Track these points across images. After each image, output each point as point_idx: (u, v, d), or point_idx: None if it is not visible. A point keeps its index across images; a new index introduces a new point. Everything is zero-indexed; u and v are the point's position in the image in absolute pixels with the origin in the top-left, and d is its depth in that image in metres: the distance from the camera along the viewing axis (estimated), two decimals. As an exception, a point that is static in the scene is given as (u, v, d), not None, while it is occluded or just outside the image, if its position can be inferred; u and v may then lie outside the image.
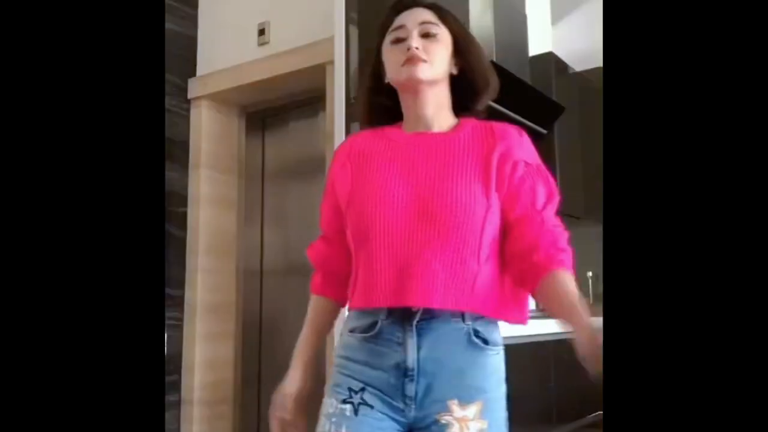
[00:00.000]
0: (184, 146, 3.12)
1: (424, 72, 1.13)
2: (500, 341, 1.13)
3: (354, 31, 2.34)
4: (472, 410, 1.06)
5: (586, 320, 0.98)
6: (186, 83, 3.15)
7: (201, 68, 3.19)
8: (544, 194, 1.13)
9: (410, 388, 1.07)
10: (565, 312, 1.02)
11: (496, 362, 1.12)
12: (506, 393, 1.14)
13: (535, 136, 3.46)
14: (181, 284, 2.99)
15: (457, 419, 1.05)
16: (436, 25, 1.16)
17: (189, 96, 3.15)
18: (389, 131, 1.20)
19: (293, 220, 3.13)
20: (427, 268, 1.06)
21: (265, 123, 3.31)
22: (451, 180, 1.10)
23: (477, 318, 1.09)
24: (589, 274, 3.60)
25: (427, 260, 1.06)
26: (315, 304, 1.28)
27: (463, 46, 1.19)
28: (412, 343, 1.07)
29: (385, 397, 1.08)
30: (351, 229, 1.14)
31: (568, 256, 1.08)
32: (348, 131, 2.26)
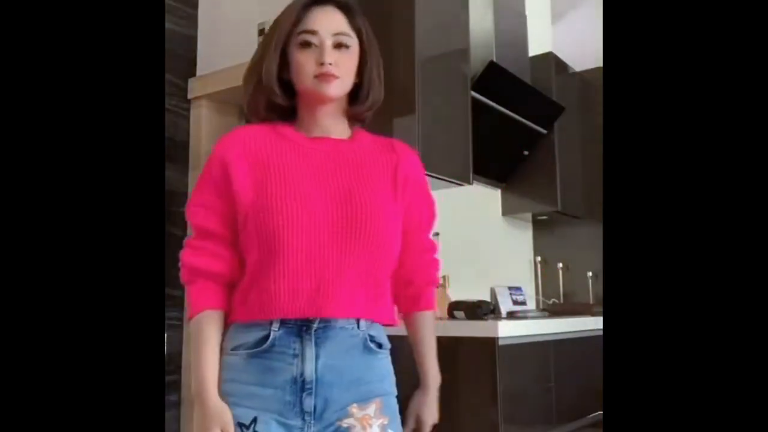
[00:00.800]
0: (184, 146, 3.12)
1: (336, 89, 1.10)
2: (388, 344, 1.15)
3: (354, 31, 2.34)
4: (371, 408, 1.06)
5: (435, 371, 1.23)
6: (186, 83, 3.15)
7: (201, 68, 3.19)
8: (428, 217, 1.23)
9: (308, 403, 1.02)
10: (421, 354, 1.23)
11: (387, 364, 1.14)
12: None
13: (535, 136, 3.47)
14: (181, 284, 2.99)
15: (358, 419, 1.04)
16: (349, 36, 1.11)
17: (189, 96, 3.15)
18: (284, 130, 1.15)
19: (293, 220, 3.12)
20: (346, 278, 1.04)
21: (265, 123, 3.31)
22: (369, 189, 1.09)
23: (371, 323, 1.10)
24: (589, 274, 3.60)
25: (346, 270, 1.04)
26: (209, 319, 1.10)
27: (366, 57, 1.15)
28: (310, 353, 1.03)
29: (281, 419, 1.02)
30: (253, 235, 1.05)
31: (433, 292, 1.27)
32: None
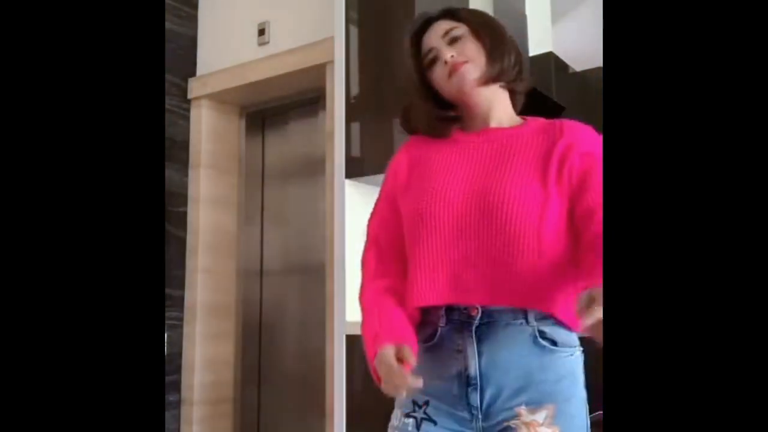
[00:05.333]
0: (184, 146, 3.12)
1: (470, 73, 1.13)
2: (574, 342, 1.07)
3: (354, 31, 2.34)
4: (541, 414, 1.01)
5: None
6: (186, 83, 3.15)
7: (201, 68, 3.19)
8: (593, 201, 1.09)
9: (474, 398, 1.03)
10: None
11: (569, 364, 1.05)
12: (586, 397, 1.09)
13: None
14: (181, 284, 2.99)
15: (525, 423, 1.00)
16: (458, 27, 1.16)
17: (189, 96, 3.15)
18: (452, 134, 1.20)
19: (293, 220, 3.13)
20: (478, 264, 1.03)
21: (265, 123, 3.31)
22: (503, 173, 1.08)
23: (542, 318, 1.03)
24: (589, 274, 3.60)
25: (479, 256, 1.03)
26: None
27: (494, 52, 1.16)
28: (471, 350, 1.03)
29: (450, 409, 1.04)
30: (404, 226, 1.13)
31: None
32: (348, 131, 2.26)
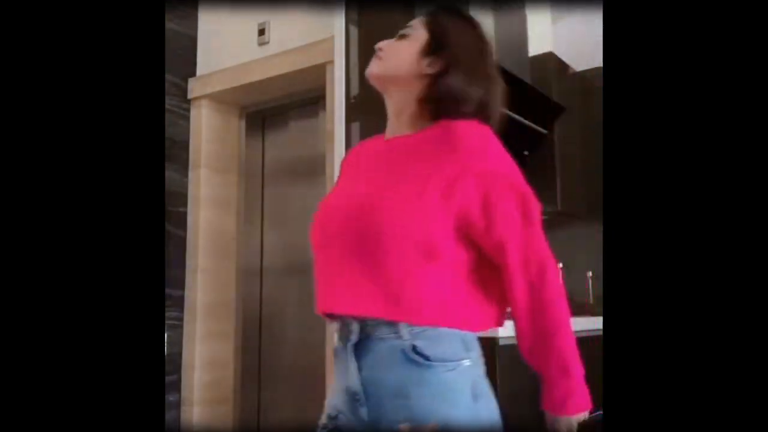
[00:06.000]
0: (184, 146, 3.12)
1: (373, 67, 1.14)
2: (456, 355, 1.01)
3: (354, 31, 2.34)
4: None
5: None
6: (186, 83, 3.15)
7: (201, 68, 3.19)
8: (520, 210, 1.02)
9: (362, 412, 1.01)
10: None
11: (450, 379, 0.99)
12: (485, 410, 1.03)
13: (535, 136, 3.47)
14: (181, 284, 2.99)
15: None
16: (410, 26, 1.15)
17: (189, 96, 3.15)
18: (378, 138, 1.19)
19: (293, 220, 3.13)
20: (350, 274, 1.02)
21: (265, 123, 3.31)
22: (383, 183, 1.05)
23: (418, 332, 0.99)
24: (589, 274, 3.60)
25: (351, 266, 1.02)
26: None
27: (441, 44, 1.10)
28: (353, 365, 1.02)
29: (354, 422, 1.03)
30: None
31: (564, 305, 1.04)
32: (348, 131, 2.26)
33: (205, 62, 3.18)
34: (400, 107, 1.13)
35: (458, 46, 1.11)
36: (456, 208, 1.00)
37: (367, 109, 2.26)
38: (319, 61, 2.66)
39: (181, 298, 3.01)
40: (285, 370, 3.06)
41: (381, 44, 1.15)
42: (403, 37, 1.14)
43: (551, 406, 1.06)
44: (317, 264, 1.10)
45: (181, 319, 3.00)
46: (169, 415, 2.91)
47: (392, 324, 1.00)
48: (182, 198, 3.08)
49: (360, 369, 1.01)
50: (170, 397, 2.93)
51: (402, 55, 1.12)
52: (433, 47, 1.11)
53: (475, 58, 1.12)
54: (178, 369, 2.98)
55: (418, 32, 1.14)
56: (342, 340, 1.06)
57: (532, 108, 3.23)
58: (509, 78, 3.23)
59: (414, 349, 0.98)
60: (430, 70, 1.10)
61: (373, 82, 1.16)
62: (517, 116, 3.17)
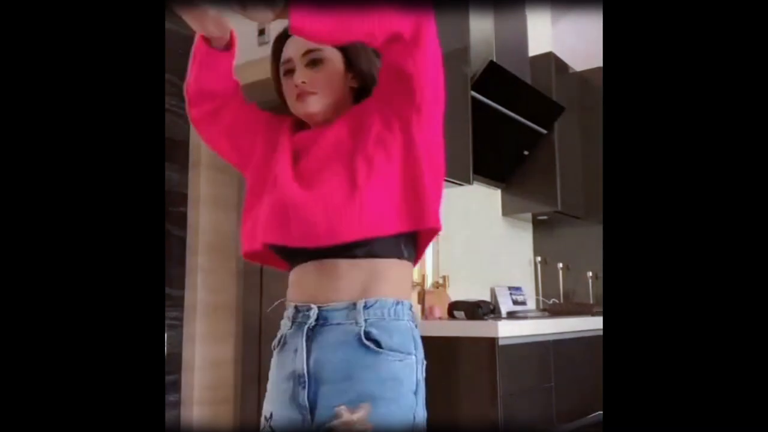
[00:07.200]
0: (184, 146, 3.12)
1: (313, 105, 1.13)
2: (407, 348, 1.05)
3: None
4: (358, 414, 1.00)
5: None
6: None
7: (201, 68, 3.19)
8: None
9: (303, 396, 1.04)
10: None
11: (395, 369, 1.03)
12: (417, 404, 1.05)
13: (535, 136, 3.47)
14: (181, 284, 2.99)
15: (343, 423, 1.00)
16: (320, 50, 1.13)
17: (189, 96, 3.15)
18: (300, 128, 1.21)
19: (293, 220, 3.13)
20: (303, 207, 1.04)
21: (265, 123, 3.31)
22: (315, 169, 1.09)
23: (375, 320, 1.04)
24: (589, 274, 3.60)
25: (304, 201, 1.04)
26: None
27: (353, 58, 1.15)
28: (302, 348, 1.06)
29: (287, 414, 1.06)
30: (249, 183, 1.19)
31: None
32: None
33: (205, 62, 3.18)
34: (325, 116, 1.15)
35: (355, 48, 1.15)
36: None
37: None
38: (319, 61, 2.66)
39: (181, 298, 3.01)
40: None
41: (299, 79, 1.12)
42: (317, 62, 1.13)
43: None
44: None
45: (181, 319, 3.00)
46: (169, 415, 2.91)
47: (350, 309, 1.05)
48: (182, 198, 3.08)
49: (309, 351, 1.05)
50: (170, 397, 2.94)
51: (333, 83, 1.14)
52: (349, 61, 1.15)
53: (372, 63, 1.17)
54: (178, 369, 2.98)
55: (328, 54, 1.13)
56: (296, 326, 1.09)
57: (532, 108, 3.24)
58: (509, 78, 3.24)
59: (368, 335, 1.03)
60: (355, 84, 1.16)
61: (310, 120, 1.15)
62: (517, 116, 3.17)
